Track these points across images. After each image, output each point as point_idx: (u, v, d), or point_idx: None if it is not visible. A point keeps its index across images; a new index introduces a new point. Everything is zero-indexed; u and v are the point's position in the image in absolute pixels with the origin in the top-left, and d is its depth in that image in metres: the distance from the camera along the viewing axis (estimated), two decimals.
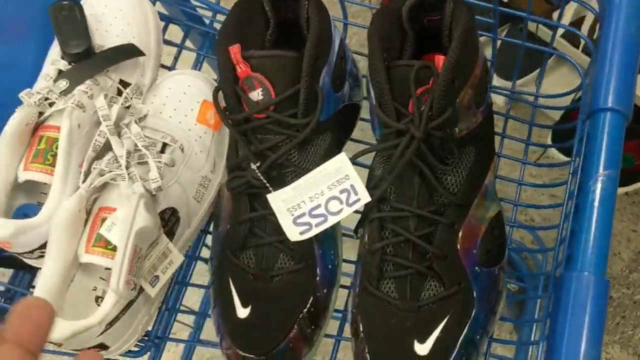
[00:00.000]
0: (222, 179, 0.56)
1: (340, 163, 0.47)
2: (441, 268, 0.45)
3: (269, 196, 0.48)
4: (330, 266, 0.51)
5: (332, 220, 0.47)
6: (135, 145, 0.49)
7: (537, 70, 1.06)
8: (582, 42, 0.96)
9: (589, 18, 0.91)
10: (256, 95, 0.47)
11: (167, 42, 0.66)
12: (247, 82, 0.47)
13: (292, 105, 0.47)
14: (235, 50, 0.46)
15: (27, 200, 0.53)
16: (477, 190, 0.48)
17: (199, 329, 0.61)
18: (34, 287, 0.59)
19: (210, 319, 0.52)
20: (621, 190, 1.12)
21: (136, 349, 0.54)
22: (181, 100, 0.55)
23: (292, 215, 0.48)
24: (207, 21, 0.69)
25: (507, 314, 1.18)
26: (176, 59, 0.66)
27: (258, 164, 0.48)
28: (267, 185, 0.48)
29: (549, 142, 1.17)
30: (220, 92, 0.48)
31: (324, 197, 0.47)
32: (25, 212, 0.53)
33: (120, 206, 0.47)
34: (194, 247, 0.59)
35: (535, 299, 0.80)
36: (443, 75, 0.43)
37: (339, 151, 0.53)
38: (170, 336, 0.56)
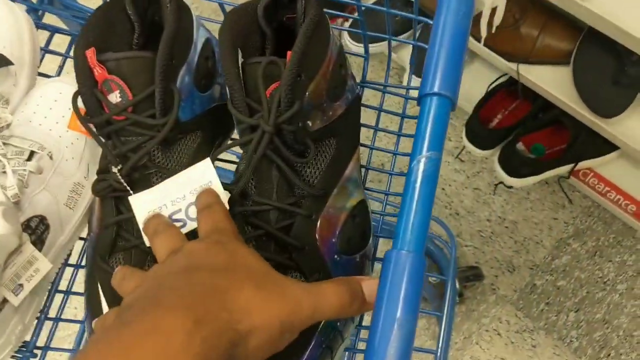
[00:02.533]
0: None
1: (204, 168, 0.48)
2: (299, 258, 0.46)
3: (130, 199, 0.48)
4: None
5: (190, 226, 0.47)
6: None
7: None
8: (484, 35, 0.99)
9: (485, 15, 0.94)
10: (114, 97, 0.47)
11: (52, 52, 0.66)
12: (105, 84, 0.47)
13: (150, 106, 0.47)
14: (90, 53, 0.46)
15: None
16: (336, 181, 0.49)
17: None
18: None
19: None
20: (534, 179, 1.15)
21: None
22: (52, 108, 0.55)
23: None
24: None
25: (430, 306, 1.21)
26: (61, 67, 0.66)
27: (119, 167, 0.48)
28: (128, 188, 0.48)
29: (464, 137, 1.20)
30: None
31: (185, 201, 0.48)
32: None
33: None
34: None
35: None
36: (288, 70, 0.44)
37: (210, 151, 0.53)
38: (54, 346, 0.56)
